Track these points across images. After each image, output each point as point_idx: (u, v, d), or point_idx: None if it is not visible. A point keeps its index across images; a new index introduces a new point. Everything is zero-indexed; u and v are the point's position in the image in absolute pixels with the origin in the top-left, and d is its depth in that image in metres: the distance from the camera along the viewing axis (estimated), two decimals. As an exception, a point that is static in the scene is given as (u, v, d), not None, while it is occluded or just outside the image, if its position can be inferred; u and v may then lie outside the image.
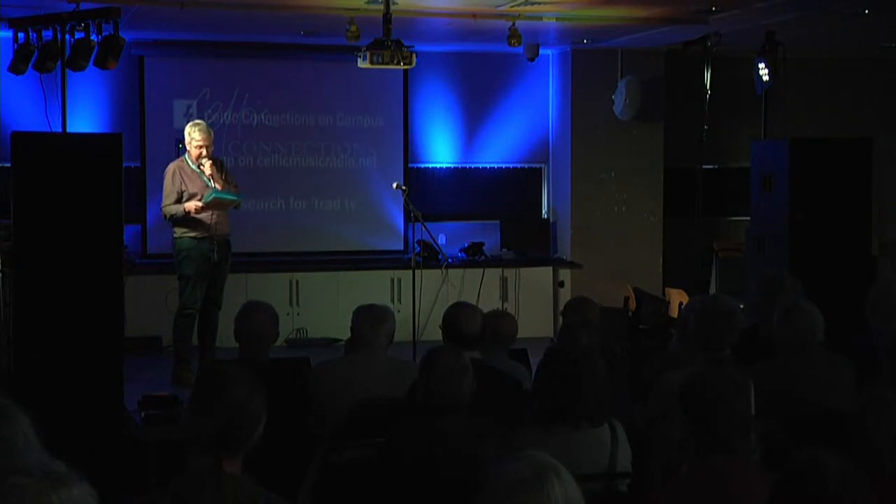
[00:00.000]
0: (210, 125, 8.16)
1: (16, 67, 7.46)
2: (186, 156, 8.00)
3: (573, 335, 5.17)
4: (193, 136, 7.93)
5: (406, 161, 10.79)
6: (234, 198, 8.02)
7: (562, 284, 10.79)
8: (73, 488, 1.93)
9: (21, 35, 7.35)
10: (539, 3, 8.22)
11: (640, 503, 3.66)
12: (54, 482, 1.92)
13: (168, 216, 7.99)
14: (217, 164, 8.04)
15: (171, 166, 8.05)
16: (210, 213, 7.89)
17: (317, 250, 10.56)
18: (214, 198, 7.82)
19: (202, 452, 2.89)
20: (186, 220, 7.90)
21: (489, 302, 9.87)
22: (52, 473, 1.95)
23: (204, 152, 7.91)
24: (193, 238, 7.92)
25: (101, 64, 7.17)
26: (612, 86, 10.70)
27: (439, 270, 10.23)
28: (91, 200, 5.93)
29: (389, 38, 7.18)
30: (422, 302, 9.06)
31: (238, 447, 2.92)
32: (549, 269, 10.82)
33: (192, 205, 7.83)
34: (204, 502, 2.76)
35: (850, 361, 4.74)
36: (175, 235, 7.99)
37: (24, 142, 6.02)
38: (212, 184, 7.91)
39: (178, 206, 7.88)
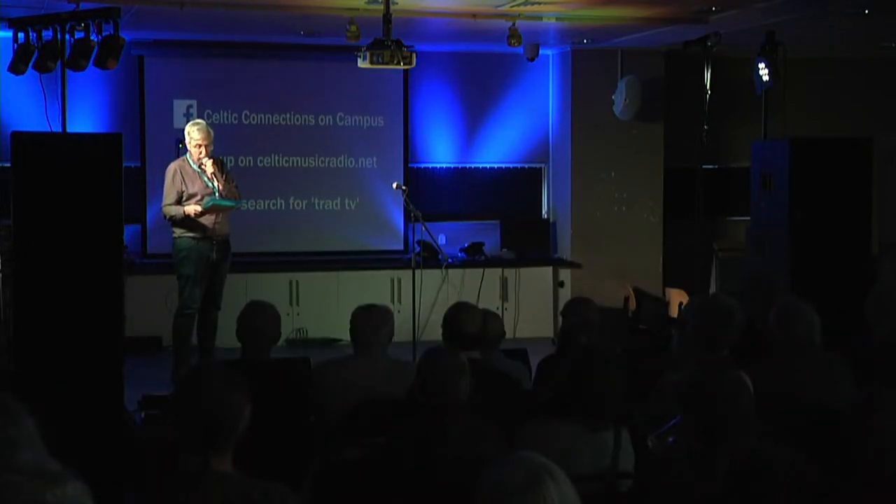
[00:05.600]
0: (210, 125, 8.16)
1: (16, 67, 7.45)
2: (188, 156, 8.03)
3: (573, 336, 5.18)
4: (192, 135, 7.96)
5: (406, 161, 10.79)
6: (233, 204, 8.07)
7: (562, 284, 10.80)
8: (68, 486, 1.93)
9: (21, 35, 7.33)
10: (539, 3, 8.22)
11: (641, 503, 3.67)
12: (49, 480, 1.92)
13: (167, 217, 8.02)
14: (217, 163, 8.06)
15: (172, 166, 8.07)
16: (210, 214, 7.92)
17: (317, 250, 10.57)
18: (213, 205, 7.88)
19: (190, 453, 2.90)
20: (186, 220, 7.92)
21: (489, 302, 9.87)
22: (47, 472, 1.95)
23: (203, 151, 7.93)
24: (193, 238, 7.94)
25: (101, 64, 7.16)
26: (612, 86, 10.70)
27: (439, 270, 10.23)
28: (91, 200, 5.92)
29: (389, 38, 7.17)
30: (422, 302, 9.07)
31: (224, 443, 2.93)
32: (549, 269, 10.83)
33: (191, 209, 7.87)
34: (193, 503, 2.77)
35: (847, 361, 4.74)
36: (174, 235, 8.01)
37: (24, 142, 6.00)
38: (212, 184, 7.93)
39: (177, 207, 7.92)
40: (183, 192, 7.93)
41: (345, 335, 5.13)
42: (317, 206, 10.65)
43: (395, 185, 9.35)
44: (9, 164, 5.97)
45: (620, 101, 10.59)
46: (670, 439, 3.89)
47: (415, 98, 10.85)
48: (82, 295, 5.90)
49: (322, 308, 10.01)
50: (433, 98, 10.90)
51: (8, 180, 5.91)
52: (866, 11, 8.21)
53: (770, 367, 4.64)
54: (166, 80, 10.20)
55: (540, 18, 8.79)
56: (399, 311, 9.21)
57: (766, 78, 8.60)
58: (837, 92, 11.40)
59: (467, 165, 11.08)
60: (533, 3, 8.20)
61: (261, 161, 10.46)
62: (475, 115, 11.00)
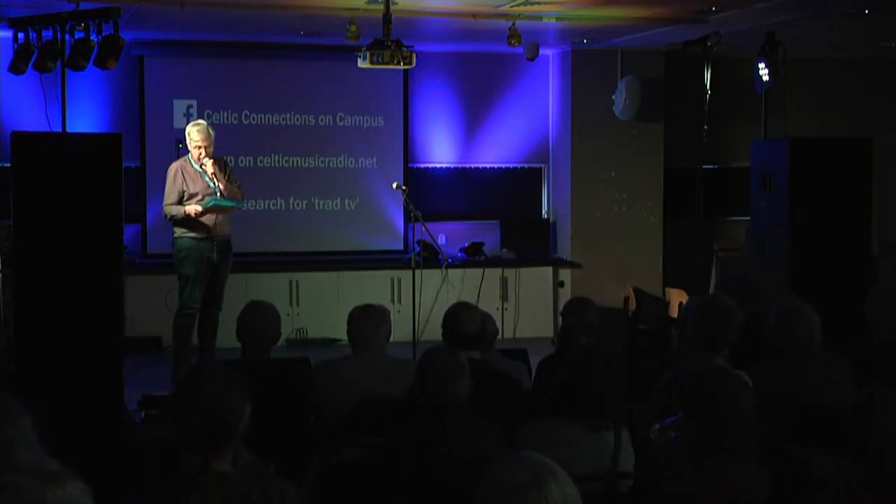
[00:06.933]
0: (210, 125, 8.17)
1: (16, 67, 7.45)
2: (189, 156, 8.04)
3: (573, 336, 5.18)
4: (192, 136, 7.98)
5: (406, 161, 10.79)
6: (234, 205, 8.07)
7: (562, 284, 10.79)
8: (68, 486, 1.93)
9: (21, 35, 7.34)
10: (539, 3, 8.22)
11: (641, 503, 3.67)
12: (48, 480, 1.92)
13: (168, 216, 8.03)
14: (220, 163, 8.06)
15: (174, 166, 8.08)
16: (211, 214, 7.93)
17: (317, 250, 10.57)
18: (214, 205, 7.89)
19: (190, 453, 2.90)
20: (187, 220, 7.92)
21: (489, 302, 9.88)
22: (46, 472, 1.95)
23: (203, 152, 7.94)
24: (193, 238, 7.94)
25: (101, 64, 7.17)
26: (612, 86, 10.70)
27: (439, 270, 10.23)
28: (91, 200, 5.93)
29: (389, 38, 7.17)
30: (422, 302, 9.06)
31: (224, 443, 2.93)
32: (549, 269, 10.83)
33: (191, 208, 7.87)
34: (193, 503, 2.77)
35: (847, 361, 4.74)
36: (175, 235, 8.02)
37: (24, 142, 6.01)
38: (213, 184, 7.94)
39: (178, 207, 7.92)
40: (184, 192, 7.93)
41: (345, 335, 5.13)
42: (317, 206, 10.65)
43: (395, 185, 9.34)
44: (9, 164, 5.98)
45: (620, 101, 10.59)
46: (672, 434, 3.90)
47: (415, 98, 10.84)
48: (82, 295, 5.91)
49: (322, 308, 10.01)
50: (433, 98, 10.90)
51: (8, 180, 5.92)
52: (866, 11, 8.21)
53: (770, 367, 4.64)
54: (166, 80, 10.20)
55: (540, 18, 8.79)
56: (399, 311, 9.22)
57: (766, 78, 8.60)
58: (837, 92, 11.40)
59: (467, 165, 11.07)
60: (533, 3, 8.20)
61: (261, 161, 10.46)
62: (475, 115, 11.00)
